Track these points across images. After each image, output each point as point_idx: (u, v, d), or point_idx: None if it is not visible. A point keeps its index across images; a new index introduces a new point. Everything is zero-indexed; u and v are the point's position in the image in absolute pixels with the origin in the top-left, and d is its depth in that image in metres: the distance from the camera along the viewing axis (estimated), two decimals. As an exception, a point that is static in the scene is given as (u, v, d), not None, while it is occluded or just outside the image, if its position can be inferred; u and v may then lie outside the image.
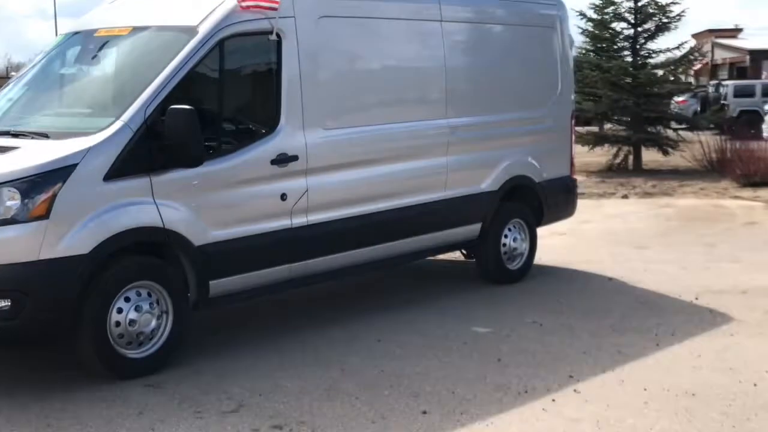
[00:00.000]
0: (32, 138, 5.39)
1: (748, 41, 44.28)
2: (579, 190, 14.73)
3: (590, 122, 20.42)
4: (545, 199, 8.07)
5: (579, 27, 19.53)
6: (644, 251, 9.33)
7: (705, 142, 17.35)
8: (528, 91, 7.96)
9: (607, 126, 19.98)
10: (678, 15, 18.93)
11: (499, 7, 7.75)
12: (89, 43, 6.25)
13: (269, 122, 5.94)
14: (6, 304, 4.77)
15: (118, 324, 5.15)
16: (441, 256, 8.50)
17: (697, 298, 7.14)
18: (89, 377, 5.18)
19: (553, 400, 4.94)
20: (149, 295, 5.30)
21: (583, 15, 19.21)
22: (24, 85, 6.37)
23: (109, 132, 5.16)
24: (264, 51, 5.98)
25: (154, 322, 5.30)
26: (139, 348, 5.28)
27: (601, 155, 18.75)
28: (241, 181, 5.71)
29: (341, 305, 7.09)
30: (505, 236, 7.76)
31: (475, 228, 7.49)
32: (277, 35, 5.92)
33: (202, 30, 5.63)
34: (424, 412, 4.76)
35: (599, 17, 19.05)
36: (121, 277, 5.16)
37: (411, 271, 8.30)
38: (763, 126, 21.34)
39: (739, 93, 26.85)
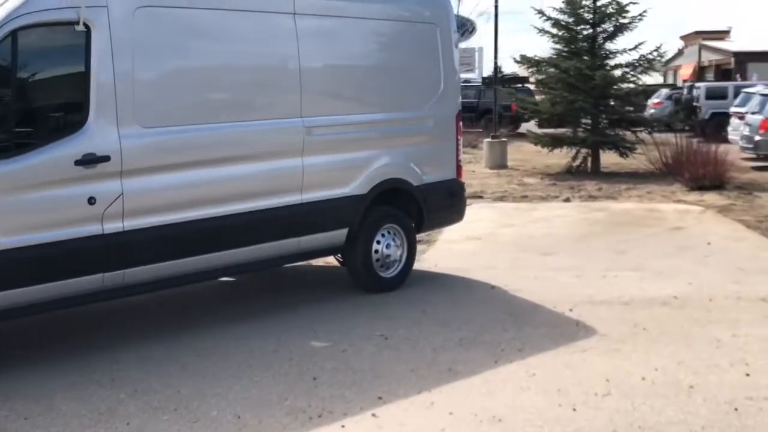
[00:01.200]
0: None
1: (734, 43, 43.75)
2: (523, 193, 14.62)
3: (562, 124, 19.99)
4: (425, 203, 7.57)
5: (537, 27, 19.10)
6: (548, 258, 8.84)
7: (663, 144, 16.88)
8: (403, 90, 7.47)
9: (563, 130, 19.50)
10: (639, 15, 18.51)
11: (368, 2, 7.24)
12: None
13: (74, 120, 5.46)
14: None
15: None
16: (322, 262, 8.08)
17: (571, 310, 6.64)
18: None
19: (342, 426, 4.45)
20: None
21: (541, 13, 18.79)
22: None
23: None
24: (69, 43, 5.48)
25: None
26: None
27: (563, 157, 18.31)
28: (35, 183, 5.23)
29: (167, 317, 6.62)
30: (378, 242, 7.27)
31: (340, 234, 7.00)
32: (86, 26, 5.44)
33: (-6, 19, 5.16)
34: (191, 441, 4.28)
35: (560, 17, 18.62)
36: None
37: (284, 277, 7.85)
38: (729, 128, 20.79)
39: (711, 95, 26.29)
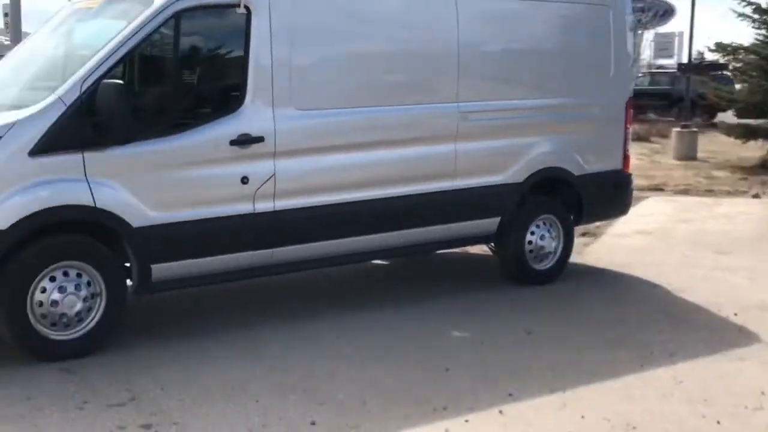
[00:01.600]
0: (-24, 111, 5.36)
1: None
2: (708, 187, 13.72)
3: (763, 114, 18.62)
4: (585, 194, 7.24)
5: (737, 12, 17.88)
6: (722, 257, 8.24)
7: None
8: (568, 74, 7.15)
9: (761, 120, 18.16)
10: None
11: (533, -20, 6.99)
12: (70, 16, 6.19)
13: (231, 101, 5.60)
14: None
15: (40, 304, 5.02)
16: (474, 249, 7.94)
17: (736, 314, 6.16)
18: (13, 356, 5.09)
19: (466, 421, 4.33)
20: (79, 276, 5.13)
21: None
22: (14, 58, 6.41)
23: (40, 106, 5.02)
24: (230, 25, 5.64)
25: (79, 305, 5.11)
26: (65, 330, 5.12)
27: (759, 149, 17.11)
28: (192, 161, 5.41)
29: (313, 298, 6.67)
30: (532, 233, 7.03)
31: (492, 222, 6.83)
32: (246, 8, 5.57)
33: (157, 1, 5.37)
34: (313, 423, 4.29)
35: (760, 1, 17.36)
36: (42, 256, 5.00)
37: (434, 263, 7.79)
38: None
39: None
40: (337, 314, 6.14)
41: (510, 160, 6.83)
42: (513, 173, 6.84)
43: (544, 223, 7.11)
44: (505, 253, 7.05)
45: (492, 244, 7.18)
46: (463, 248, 7.90)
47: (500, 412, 4.43)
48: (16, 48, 6.72)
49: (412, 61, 6.39)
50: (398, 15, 6.32)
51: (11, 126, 4.93)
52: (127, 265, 5.38)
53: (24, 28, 16.02)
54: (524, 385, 4.80)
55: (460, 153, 6.53)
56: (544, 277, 7.11)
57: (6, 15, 17.23)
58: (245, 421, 4.32)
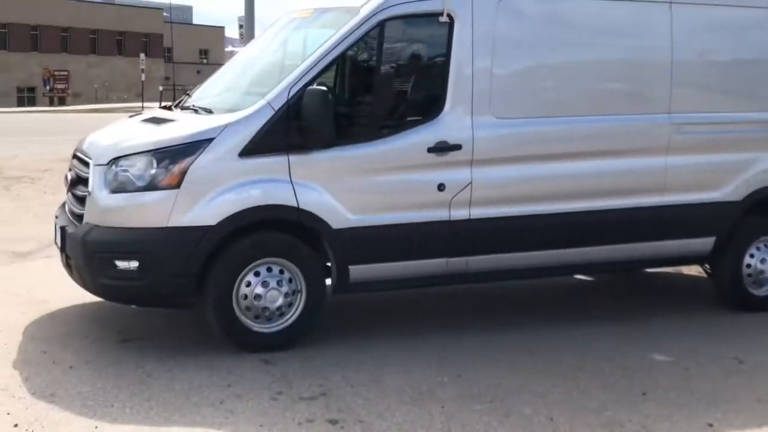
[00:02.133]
0: (199, 113, 5.73)
1: None
2: None
3: None
4: (817, 218, 6.62)
5: None
6: None
7: None
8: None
9: None
10: None
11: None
12: (287, 25, 6.49)
13: (431, 108, 5.64)
14: (135, 265, 5.14)
15: (245, 297, 5.28)
16: (687, 270, 7.51)
17: None
18: (216, 344, 5.39)
19: (659, 449, 4.07)
20: (281, 272, 5.35)
21: None
22: (233, 63, 6.80)
23: (250, 110, 5.29)
24: (432, 33, 5.70)
25: (281, 300, 5.33)
26: (267, 323, 5.36)
27: None
28: (390, 167, 5.50)
29: (507, 309, 6.54)
30: (751, 256, 6.53)
31: (705, 242, 6.40)
32: (449, 17, 5.61)
33: (364, 10, 5.52)
34: (493, 435, 4.21)
35: None
36: (249, 251, 5.27)
37: (639, 281, 7.43)
38: None
39: None
40: (532, 328, 6.00)
41: (727, 176, 6.38)
42: (731, 191, 6.38)
43: (765, 246, 6.57)
44: (720, 276, 6.60)
45: (706, 265, 6.74)
46: (676, 268, 7.50)
47: (698, 443, 4.14)
48: (235, 56, 7.14)
49: (619, 70, 6.15)
50: (606, 22, 6.10)
51: (223, 128, 5.23)
52: (327, 264, 5.55)
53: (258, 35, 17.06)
54: (727, 417, 4.46)
55: (671, 167, 6.18)
56: (764, 303, 6.57)
57: (241, 27, 18.46)
58: (429, 425, 4.31)
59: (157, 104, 43.36)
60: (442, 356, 5.35)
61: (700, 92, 6.34)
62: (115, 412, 4.40)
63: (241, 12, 17.80)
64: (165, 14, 68.71)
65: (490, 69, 5.70)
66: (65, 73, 54.09)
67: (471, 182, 5.66)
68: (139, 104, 43.85)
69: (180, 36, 68.76)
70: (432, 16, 5.62)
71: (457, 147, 5.61)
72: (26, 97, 56.47)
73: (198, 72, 56.55)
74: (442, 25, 5.61)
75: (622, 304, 6.76)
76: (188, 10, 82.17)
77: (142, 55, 48.40)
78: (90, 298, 6.15)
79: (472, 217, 5.70)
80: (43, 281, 6.92)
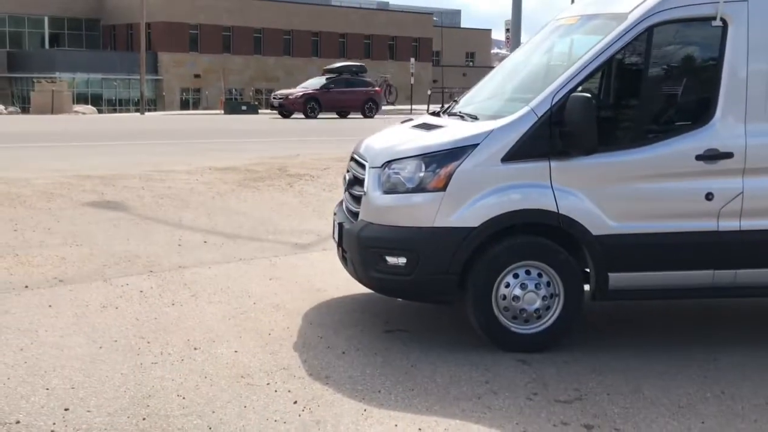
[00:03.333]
0: (465, 119, 5.98)
1: None
2: None
3: None
4: None
5: None
6: None
7: None
8: None
9: None
10: None
11: None
12: (552, 32, 6.57)
13: (700, 115, 5.50)
14: (403, 261, 5.49)
15: (504, 297, 5.46)
16: None
17: None
18: (475, 341, 5.61)
19: None
20: (539, 275, 5.47)
21: None
22: (500, 70, 6.99)
23: (514, 117, 5.45)
24: (703, 38, 5.57)
25: (538, 302, 5.44)
26: (524, 324, 5.50)
27: None
28: (655, 174, 5.43)
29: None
30: None
31: None
32: (722, 21, 5.43)
33: (632, 16, 5.49)
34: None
35: None
36: (510, 253, 5.42)
37: None
38: None
39: None
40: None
41: None
42: None
43: None
44: None
45: None
46: None
47: None
48: (502, 63, 7.33)
49: None
50: None
51: (488, 134, 5.44)
52: (586, 270, 5.58)
53: (523, 39, 17.27)
54: None
55: None
56: None
57: (507, 30, 18.74)
58: (685, 441, 4.24)
59: (425, 107, 44.79)
60: (706, 371, 5.21)
61: None
62: (382, 398, 4.75)
63: (508, 14, 18.04)
64: (435, 18, 70.82)
65: (765, 74, 5.45)
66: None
67: (742, 192, 5.45)
68: (408, 107, 45.54)
69: (448, 39, 70.61)
70: (704, 20, 5.48)
71: (728, 155, 5.43)
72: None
73: (464, 75, 57.72)
74: (714, 28, 5.46)
75: None
76: (457, 14, 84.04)
77: (412, 60, 50.19)
78: (360, 289, 6.64)
79: (742, 228, 5.48)
80: (319, 272, 7.54)
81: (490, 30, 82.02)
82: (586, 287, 5.60)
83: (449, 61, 70.18)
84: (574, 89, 5.37)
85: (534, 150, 5.40)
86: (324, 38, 62.69)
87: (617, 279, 5.51)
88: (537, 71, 6.42)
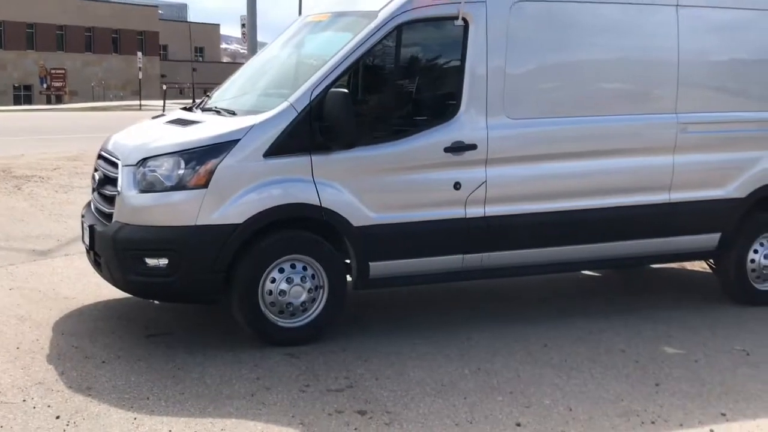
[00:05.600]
0: (222, 114, 5.90)
1: None
2: None
3: None
4: (816, 213, 6.82)
5: None
6: None
7: None
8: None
9: None
10: None
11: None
12: (302, 29, 6.66)
13: (446, 109, 5.83)
14: (164, 262, 5.31)
15: (270, 293, 5.45)
16: (690, 265, 7.72)
17: None
18: (242, 338, 5.56)
19: (675, 437, 4.27)
20: (304, 269, 5.52)
21: None
22: (252, 65, 6.98)
23: (274, 112, 5.46)
24: (447, 36, 5.88)
25: (304, 295, 5.50)
26: (290, 318, 5.53)
27: None
28: (409, 166, 5.68)
29: (523, 303, 6.72)
30: (755, 251, 6.72)
31: (710, 238, 6.60)
32: (464, 20, 5.78)
33: (381, 15, 5.69)
34: (518, 425, 4.40)
35: None
36: (274, 248, 5.43)
37: (646, 277, 7.63)
38: None
39: None
40: (544, 322, 6.18)
41: (732, 174, 6.57)
42: (735, 188, 6.58)
43: (768, 242, 6.78)
44: (724, 271, 6.80)
45: (711, 261, 6.94)
46: (680, 263, 7.70)
47: (711, 431, 4.33)
48: (252, 58, 7.30)
49: (628, 71, 6.34)
50: (616, 24, 6.28)
51: (249, 129, 5.40)
52: (347, 261, 5.72)
53: (259, 38, 17.30)
54: (739, 407, 4.66)
55: (678, 165, 6.38)
56: (767, 297, 6.78)
57: (243, 26, 18.66)
58: (453, 416, 4.49)
59: (154, 102, 43.43)
60: (462, 349, 5.54)
61: (705, 92, 6.53)
62: (152, 405, 4.57)
63: (237, 10, 17.99)
64: (160, 12, 68.77)
65: (503, 70, 5.89)
66: (62, 71, 54.06)
67: (486, 181, 5.84)
68: (137, 102, 43.97)
69: (175, 34, 68.85)
70: (447, 20, 5.80)
71: (473, 147, 5.80)
72: (23, 96, 56.50)
73: (194, 69, 56.59)
74: (457, 28, 5.79)
75: (630, 299, 6.95)
76: (183, 7, 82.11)
77: (140, 54, 48.41)
78: (113, 295, 6.35)
79: (487, 214, 5.88)
80: (65, 278, 7.09)
81: (218, 25, 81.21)
82: (350, 278, 5.75)
83: (177, 55, 68.51)
84: (331, 85, 5.48)
85: (295, 145, 5.44)
86: (39, 30, 58.60)
87: (377, 268, 5.69)
88: (290, 67, 6.47)
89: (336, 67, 5.55)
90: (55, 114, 34.79)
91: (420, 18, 5.75)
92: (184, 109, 6.66)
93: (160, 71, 63.14)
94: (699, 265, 7.73)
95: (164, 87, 33.05)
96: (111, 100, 52.36)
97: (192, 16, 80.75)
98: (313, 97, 5.45)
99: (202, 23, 76.39)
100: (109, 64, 61.94)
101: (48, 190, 11.60)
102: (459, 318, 6.24)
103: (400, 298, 6.71)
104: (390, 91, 5.84)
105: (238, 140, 5.36)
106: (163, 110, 24.41)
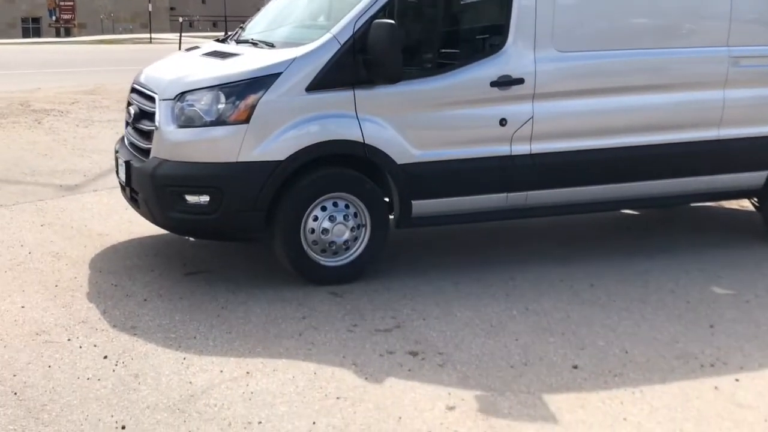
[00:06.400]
0: (260, 47, 5.70)
1: None
2: None
3: None
4: None
5: None
6: None
7: None
8: None
9: None
10: None
11: None
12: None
13: (493, 42, 5.62)
14: (206, 199, 5.18)
15: (312, 231, 5.33)
16: (729, 204, 7.56)
17: None
18: (283, 276, 5.46)
19: (736, 380, 4.17)
20: (347, 207, 5.39)
21: None
22: None
23: (316, 44, 5.27)
24: (494, -33, 5.65)
25: (347, 234, 5.38)
26: (333, 256, 5.42)
27: None
28: (454, 101, 5.50)
29: (565, 243, 6.57)
30: (803, 189, 6.56)
31: (759, 176, 6.42)
32: (513, -50, 5.53)
33: (427, -56, 5.46)
34: (575, 367, 4.30)
35: None
36: (317, 186, 5.30)
37: (692, 216, 7.48)
38: None
39: None
40: (588, 261, 6.06)
41: (783, 110, 6.37)
42: (785, 124, 6.38)
43: (817, 180, 6.59)
44: (768, 209, 6.65)
45: (755, 199, 6.78)
46: (718, 202, 7.54)
47: (774, 374, 4.24)
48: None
49: (677, 3, 6.08)
50: None
51: (290, 62, 5.21)
52: (387, 199, 5.59)
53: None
54: (799, 350, 4.55)
55: (729, 100, 6.16)
56: (813, 236, 6.64)
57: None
58: (507, 357, 4.40)
59: (164, 35, 42.73)
60: (507, 290, 5.43)
61: (760, 25, 6.28)
62: (199, 344, 4.50)
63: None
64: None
65: (552, 2, 5.65)
66: (71, 3, 53.29)
67: (533, 116, 5.66)
68: (146, 35, 43.40)
69: (184, -36, 67.53)
70: (495, -51, 5.55)
71: (520, 81, 5.60)
72: (31, 28, 55.80)
73: (203, 2, 55.73)
74: (505, -41, 5.55)
75: (674, 238, 6.79)
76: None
77: (149, -15, 47.53)
78: (147, 231, 6.26)
79: (533, 152, 5.71)
80: (95, 214, 6.99)
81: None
82: (390, 216, 5.62)
83: (186, -13, 67.37)
84: (375, 15, 5.27)
85: (338, 79, 5.25)
86: (46, -40, 57.54)
87: (420, 206, 5.56)
88: (327, -2, 6.23)
89: (380, -2, 5.32)
90: (66, 47, 34.35)
91: (467, -55, 5.51)
92: (218, 40, 6.45)
93: (169, 4, 62.17)
94: (737, 204, 7.57)
95: (180, 19, 32.36)
96: (120, 33, 51.66)
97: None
98: (356, 29, 5.25)
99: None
100: (117, -5, 60.91)
101: (68, 125, 11.43)
102: (501, 258, 6.12)
103: (440, 236, 6.58)
104: (434, 23, 5.63)
105: (280, 74, 5.18)
106: (179, 44, 24.08)
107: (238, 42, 6.08)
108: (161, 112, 5.30)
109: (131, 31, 52.26)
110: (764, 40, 6.29)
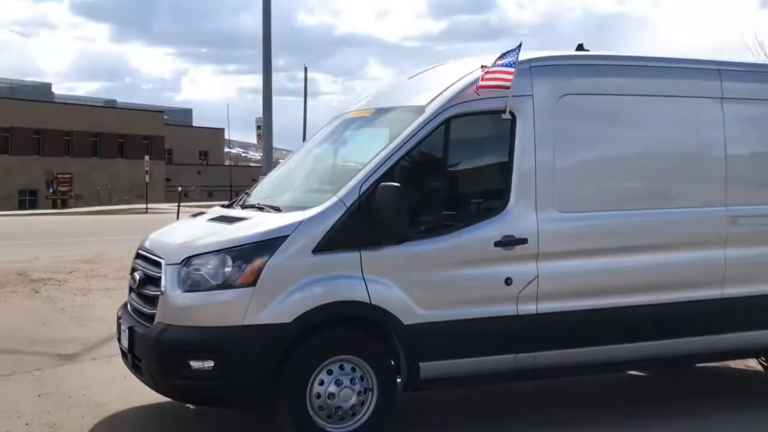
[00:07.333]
0: (266, 211, 5.77)
1: None
2: None
3: None
4: None
5: None
6: None
7: None
8: None
9: None
10: None
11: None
12: (342, 125, 6.59)
13: (496, 203, 5.72)
14: (210, 364, 5.08)
15: (318, 396, 5.20)
16: (740, 364, 7.46)
17: None
18: (290, 446, 5.27)
19: None
20: (353, 370, 5.29)
21: None
22: (291, 162, 6.91)
23: (322, 207, 5.34)
24: (495, 130, 5.83)
25: (354, 398, 5.26)
26: (339, 422, 5.26)
27: None
28: (459, 261, 5.52)
29: (578, 406, 6.43)
30: (811, 346, 6.50)
31: (765, 334, 6.37)
32: (511, 114, 5.73)
33: (429, 109, 5.65)
34: None
35: None
36: (323, 349, 5.23)
37: (694, 376, 7.35)
38: None
39: None
40: (597, 427, 5.89)
41: (786, 267, 6.40)
42: (790, 282, 6.39)
43: (824, 337, 6.54)
44: (780, 368, 6.56)
45: (763, 358, 6.70)
46: (724, 362, 7.44)
47: None
48: (289, 156, 7.23)
49: (676, 164, 6.25)
50: (663, 118, 6.23)
51: (297, 225, 5.26)
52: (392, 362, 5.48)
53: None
54: None
55: (730, 259, 6.21)
56: (825, 395, 6.52)
57: (258, 128, 18.87)
58: None
59: (160, 205, 43.35)
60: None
61: (756, 185, 6.43)
62: None
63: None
64: (166, 117, 69.85)
65: (552, 164, 5.80)
66: (68, 175, 54.44)
67: (537, 276, 5.67)
68: (143, 205, 44.10)
69: (180, 138, 69.74)
70: (495, 114, 5.74)
71: (523, 241, 5.65)
72: (28, 200, 56.73)
73: (198, 173, 57.03)
74: (504, 122, 5.73)
75: (680, 400, 6.66)
76: (188, 112, 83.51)
77: (147, 158, 48.80)
78: (148, 399, 6.09)
79: (539, 311, 5.69)
80: (94, 383, 6.84)
81: (223, 129, 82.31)
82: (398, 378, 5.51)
83: (182, 159, 69.22)
84: (381, 179, 5.36)
85: (344, 240, 5.28)
86: (46, 136, 59.29)
87: (428, 368, 5.46)
88: (332, 163, 6.39)
89: (385, 162, 5.45)
90: (62, 218, 34.78)
91: (467, 112, 5.69)
92: (224, 206, 6.54)
93: (165, 175, 63.62)
94: (743, 363, 7.47)
95: (179, 188, 32.84)
96: (116, 203, 52.56)
97: (197, 121, 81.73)
98: (362, 191, 5.33)
99: (207, 127, 77.42)
100: (115, 168, 62.41)
101: (66, 293, 11.38)
102: (506, 420, 5.95)
103: (446, 397, 6.42)
104: (438, 185, 5.71)
105: (287, 236, 5.21)
106: (178, 214, 24.39)
107: (244, 207, 6.17)
108: (167, 277, 5.29)
109: (127, 202, 53.14)
110: (762, 200, 6.41)
